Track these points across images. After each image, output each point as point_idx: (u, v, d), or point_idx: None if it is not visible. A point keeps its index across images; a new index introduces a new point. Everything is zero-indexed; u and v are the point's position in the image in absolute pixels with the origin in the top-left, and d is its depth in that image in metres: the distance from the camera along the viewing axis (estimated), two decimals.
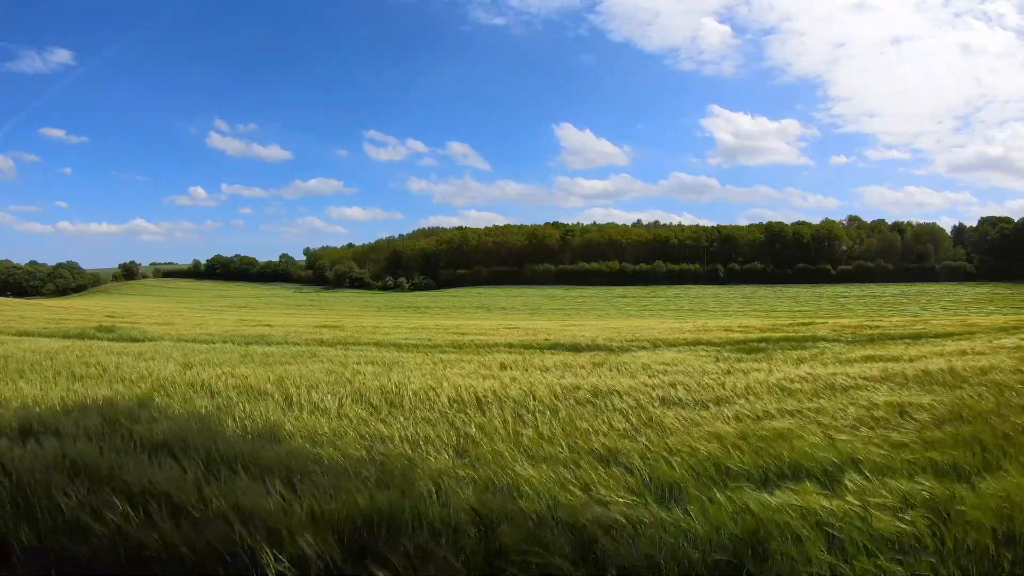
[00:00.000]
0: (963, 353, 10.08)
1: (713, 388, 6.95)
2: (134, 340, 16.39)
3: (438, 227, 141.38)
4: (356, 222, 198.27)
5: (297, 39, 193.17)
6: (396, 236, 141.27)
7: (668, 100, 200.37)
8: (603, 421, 5.34)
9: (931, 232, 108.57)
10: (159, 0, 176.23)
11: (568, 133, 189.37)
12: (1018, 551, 2.72)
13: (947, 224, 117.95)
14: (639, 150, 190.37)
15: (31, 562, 3.00)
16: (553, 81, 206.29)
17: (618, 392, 6.67)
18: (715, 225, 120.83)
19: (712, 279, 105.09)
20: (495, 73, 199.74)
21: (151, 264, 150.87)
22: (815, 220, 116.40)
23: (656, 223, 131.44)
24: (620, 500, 3.43)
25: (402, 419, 5.58)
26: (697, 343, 14.29)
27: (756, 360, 10.31)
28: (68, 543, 3.08)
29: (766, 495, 3.36)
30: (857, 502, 3.18)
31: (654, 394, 6.58)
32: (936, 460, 3.95)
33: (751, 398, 6.37)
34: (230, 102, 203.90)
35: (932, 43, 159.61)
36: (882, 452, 4.12)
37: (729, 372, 8.46)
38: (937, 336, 14.85)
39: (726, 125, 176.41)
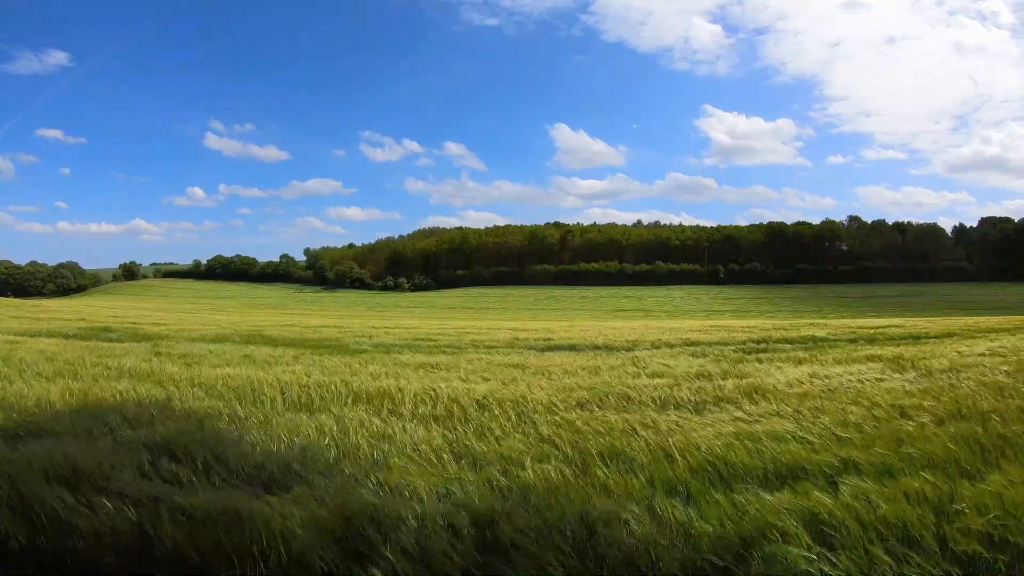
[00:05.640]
0: (964, 353, 10.07)
1: (713, 389, 6.93)
2: (135, 340, 16.40)
3: (438, 227, 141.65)
4: (355, 222, 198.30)
5: (291, 40, 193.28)
6: (396, 236, 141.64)
7: (663, 100, 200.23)
8: (603, 422, 5.33)
9: (932, 232, 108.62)
10: (155, 2, 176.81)
11: (563, 133, 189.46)
12: (1013, 552, 2.71)
13: (946, 224, 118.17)
14: (635, 150, 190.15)
15: (29, 562, 3.00)
16: (547, 81, 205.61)
17: (618, 393, 6.66)
18: (716, 225, 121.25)
19: (713, 279, 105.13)
20: (488, 73, 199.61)
21: (152, 264, 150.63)
22: (814, 220, 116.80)
23: (657, 223, 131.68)
24: (622, 499, 3.43)
25: (402, 421, 5.57)
26: (698, 343, 14.28)
27: (757, 361, 10.29)
28: (66, 543, 3.08)
29: (766, 495, 3.36)
30: (857, 502, 3.18)
31: (654, 395, 6.56)
32: (936, 460, 3.95)
33: (751, 398, 6.35)
34: (226, 103, 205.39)
35: (927, 42, 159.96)
36: (882, 453, 4.11)
37: (729, 373, 8.44)
38: (938, 336, 14.85)
39: (721, 125, 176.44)
